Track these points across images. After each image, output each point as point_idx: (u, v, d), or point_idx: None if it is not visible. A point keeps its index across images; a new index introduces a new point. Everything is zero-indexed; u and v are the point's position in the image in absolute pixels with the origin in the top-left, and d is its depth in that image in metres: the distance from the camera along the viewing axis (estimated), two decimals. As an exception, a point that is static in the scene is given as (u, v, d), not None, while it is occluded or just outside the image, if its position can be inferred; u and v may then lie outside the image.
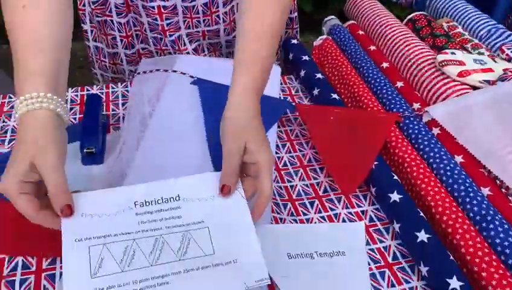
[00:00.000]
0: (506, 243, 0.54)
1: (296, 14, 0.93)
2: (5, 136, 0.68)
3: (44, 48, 0.50)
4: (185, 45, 0.82)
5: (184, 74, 0.76)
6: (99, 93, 0.77)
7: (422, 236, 0.55)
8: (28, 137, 0.46)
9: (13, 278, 0.50)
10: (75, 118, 0.72)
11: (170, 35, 0.80)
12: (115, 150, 0.65)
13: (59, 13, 0.53)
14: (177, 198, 0.51)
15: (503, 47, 0.83)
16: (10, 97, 0.75)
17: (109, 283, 0.44)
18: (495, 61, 0.79)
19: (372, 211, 0.63)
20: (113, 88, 0.79)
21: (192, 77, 0.75)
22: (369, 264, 0.56)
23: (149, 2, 0.76)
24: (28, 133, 0.47)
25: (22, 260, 0.52)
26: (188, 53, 0.83)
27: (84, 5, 0.83)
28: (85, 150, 0.62)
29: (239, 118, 0.54)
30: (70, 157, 0.62)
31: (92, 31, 0.87)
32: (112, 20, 0.81)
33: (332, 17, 1.00)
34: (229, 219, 0.51)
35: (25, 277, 0.51)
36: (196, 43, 0.83)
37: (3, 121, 0.71)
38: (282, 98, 0.81)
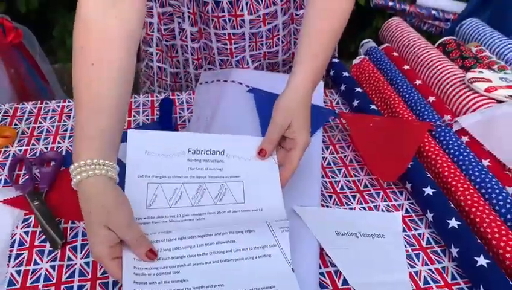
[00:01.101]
0: (528, 232, 0.62)
1: None
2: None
3: (104, 110, 0.53)
4: (247, 64, 0.93)
5: (241, 83, 0.87)
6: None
7: (453, 223, 0.63)
8: (93, 205, 0.50)
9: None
10: (147, 119, 0.84)
11: (236, 56, 0.92)
12: (184, 145, 0.76)
13: (124, 73, 0.56)
14: (222, 153, 0.62)
15: (527, 67, 0.92)
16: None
17: (159, 214, 0.55)
18: (519, 80, 0.87)
19: (408, 205, 0.71)
20: (178, 95, 0.91)
21: (248, 86, 0.87)
22: (405, 246, 0.64)
23: (221, 30, 0.88)
24: (92, 202, 0.50)
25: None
26: None
27: (152, 31, 0.95)
28: (161, 143, 0.73)
29: (293, 99, 0.63)
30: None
31: (157, 53, 0.99)
32: (186, 45, 0.93)
33: (369, 40, 1.11)
34: (261, 178, 0.61)
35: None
36: (257, 63, 0.95)
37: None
38: (325, 108, 0.91)
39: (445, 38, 1.06)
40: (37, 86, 1.36)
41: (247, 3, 0.85)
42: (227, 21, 0.87)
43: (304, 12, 0.71)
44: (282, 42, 0.94)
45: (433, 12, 1.48)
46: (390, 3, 1.53)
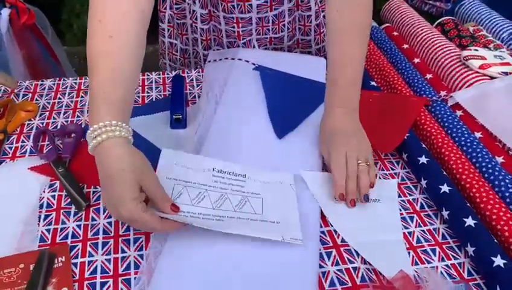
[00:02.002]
0: (514, 196, 0.67)
1: None
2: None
3: (124, 79, 0.57)
4: (254, 47, 0.98)
5: (247, 61, 0.92)
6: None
7: (445, 188, 0.68)
8: (127, 164, 0.53)
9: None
10: (160, 95, 0.89)
11: (243, 39, 0.96)
12: (196, 119, 0.81)
13: (138, 46, 0.60)
14: (244, 176, 0.68)
15: (520, 45, 0.96)
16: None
17: (182, 209, 0.59)
18: (513, 57, 0.92)
19: (404, 173, 0.76)
20: (188, 73, 0.96)
21: (254, 64, 0.91)
22: (400, 210, 0.70)
23: (229, 13, 0.92)
24: (125, 161, 0.53)
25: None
26: None
27: (165, 8, 1.00)
28: (174, 117, 0.78)
29: (323, 131, 0.71)
30: (162, 123, 0.79)
31: (168, 30, 1.04)
32: (196, 26, 0.97)
33: (370, 20, 1.14)
34: (279, 198, 0.65)
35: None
36: (263, 47, 0.99)
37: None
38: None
39: (443, 18, 1.10)
40: (49, 66, 1.41)
41: None
42: (236, 6, 0.91)
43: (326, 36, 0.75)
44: (288, 28, 0.98)
45: (434, -7, 1.51)
46: (393, -15, 1.56)
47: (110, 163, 0.53)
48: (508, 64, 0.89)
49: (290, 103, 0.85)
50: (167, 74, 0.96)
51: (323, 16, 1.01)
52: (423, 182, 0.72)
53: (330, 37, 0.72)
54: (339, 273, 0.59)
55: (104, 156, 0.54)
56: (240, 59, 0.92)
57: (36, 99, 0.87)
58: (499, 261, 0.58)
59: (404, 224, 0.68)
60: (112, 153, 0.54)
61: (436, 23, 1.11)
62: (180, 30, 1.01)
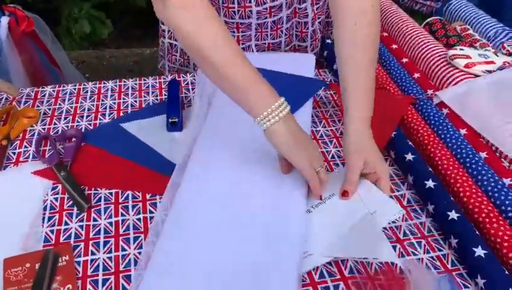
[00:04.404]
0: (495, 189, 0.70)
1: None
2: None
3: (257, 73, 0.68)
4: (252, 51, 1.01)
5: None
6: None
7: (430, 184, 0.71)
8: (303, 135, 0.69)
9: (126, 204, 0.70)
10: (156, 99, 0.92)
11: (242, 44, 1.00)
12: (190, 121, 0.84)
13: None
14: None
15: (504, 44, 0.99)
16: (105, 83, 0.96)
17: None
18: (497, 56, 0.95)
19: (392, 170, 0.80)
20: (183, 77, 0.99)
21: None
22: (388, 205, 0.73)
23: (230, 19, 0.96)
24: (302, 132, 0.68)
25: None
26: None
27: None
28: (170, 120, 0.82)
29: (358, 142, 0.71)
30: (159, 126, 0.82)
31: (168, 31, 1.07)
32: None
33: (360, 21, 1.18)
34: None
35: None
36: (261, 52, 1.02)
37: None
38: (318, 85, 0.99)
39: (431, 18, 1.14)
40: (48, 72, 1.44)
41: None
42: (236, 12, 0.94)
43: (336, 49, 0.76)
44: (285, 34, 1.01)
45: (425, -8, 1.54)
46: (384, -15, 1.59)
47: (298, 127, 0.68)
48: (492, 62, 0.92)
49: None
50: (163, 78, 0.99)
51: (319, 23, 1.04)
52: (410, 178, 0.75)
53: (347, 50, 0.73)
54: (328, 266, 0.62)
55: (292, 122, 0.67)
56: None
57: (37, 106, 0.90)
58: (479, 251, 0.61)
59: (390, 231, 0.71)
60: (290, 127, 0.67)
61: (424, 23, 1.14)
62: None
